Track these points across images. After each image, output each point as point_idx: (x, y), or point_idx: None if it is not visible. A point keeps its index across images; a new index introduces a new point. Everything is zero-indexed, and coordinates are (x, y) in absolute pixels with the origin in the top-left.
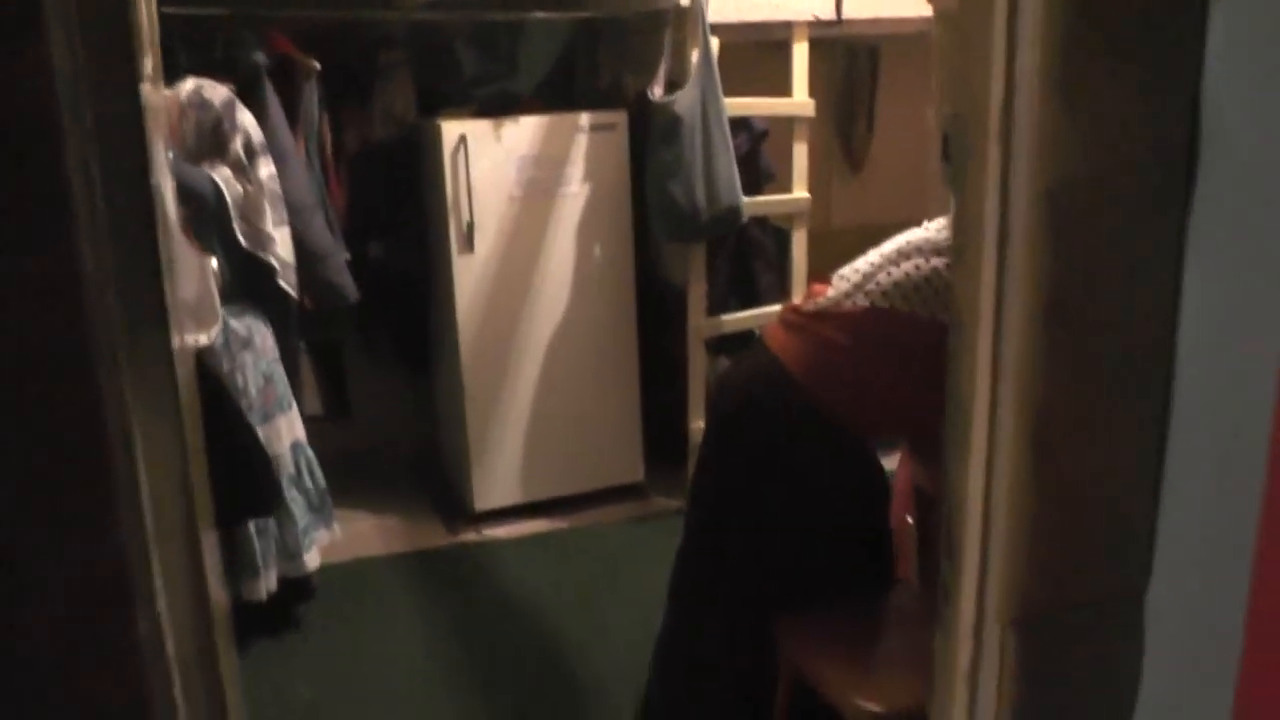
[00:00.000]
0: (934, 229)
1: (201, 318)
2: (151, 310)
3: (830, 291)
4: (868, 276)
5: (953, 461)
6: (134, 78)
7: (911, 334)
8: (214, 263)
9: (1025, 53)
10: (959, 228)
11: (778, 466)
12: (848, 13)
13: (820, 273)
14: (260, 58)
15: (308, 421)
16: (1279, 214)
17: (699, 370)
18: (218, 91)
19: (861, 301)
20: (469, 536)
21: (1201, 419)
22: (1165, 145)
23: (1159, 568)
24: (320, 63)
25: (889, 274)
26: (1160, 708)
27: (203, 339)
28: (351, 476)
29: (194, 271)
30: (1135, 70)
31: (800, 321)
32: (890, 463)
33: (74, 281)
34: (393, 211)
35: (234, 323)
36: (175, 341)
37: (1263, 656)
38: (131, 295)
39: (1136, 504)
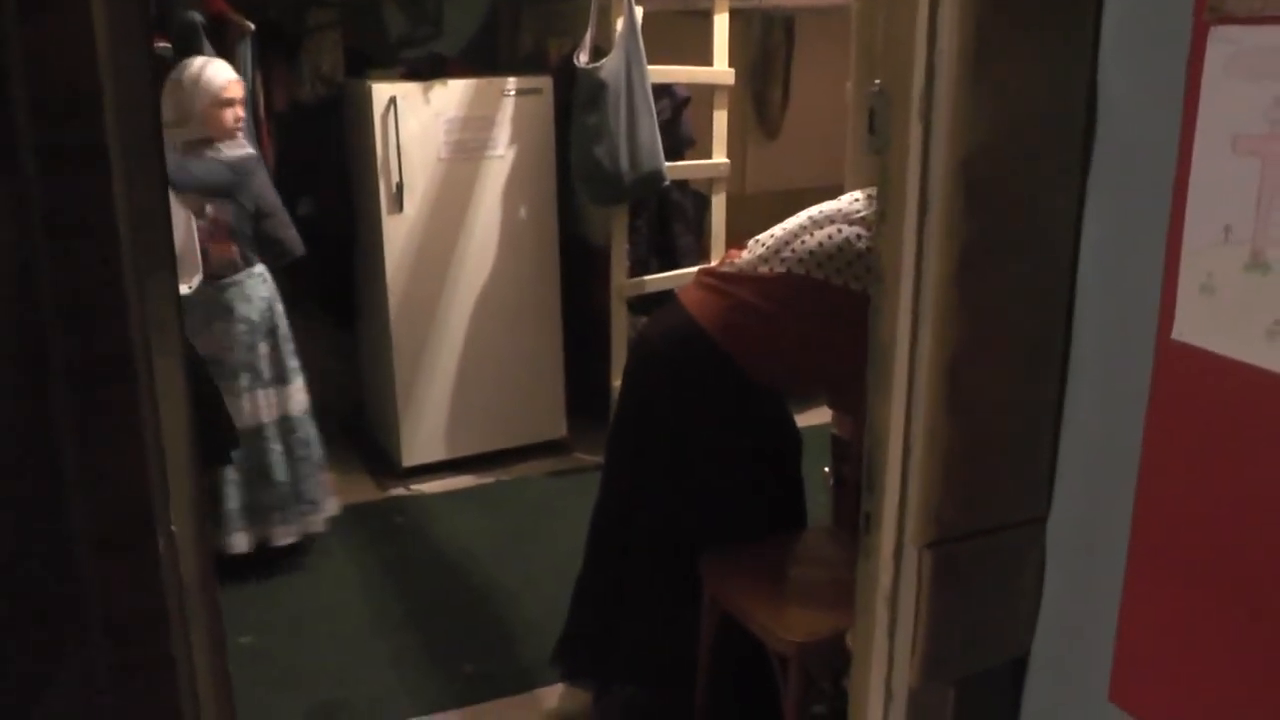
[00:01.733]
0: (846, 201)
1: (184, 268)
2: (161, 257)
3: (745, 255)
4: (784, 243)
5: (875, 401)
6: (150, 49)
7: (824, 301)
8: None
9: (945, 35)
10: (883, 193)
11: (692, 416)
12: None
13: (735, 235)
14: (196, 16)
15: None
16: (1164, 178)
17: (621, 329)
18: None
19: (778, 267)
20: (398, 491)
21: (1095, 364)
22: (1066, 118)
23: (1058, 496)
24: (250, 21)
25: (804, 241)
26: (1059, 620)
27: (184, 289)
28: None
29: (180, 224)
30: (1041, 50)
31: (716, 283)
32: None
33: (111, 222)
34: (320, 170)
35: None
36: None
37: (1142, 576)
38: (145, 243)
39: (1039, 439)
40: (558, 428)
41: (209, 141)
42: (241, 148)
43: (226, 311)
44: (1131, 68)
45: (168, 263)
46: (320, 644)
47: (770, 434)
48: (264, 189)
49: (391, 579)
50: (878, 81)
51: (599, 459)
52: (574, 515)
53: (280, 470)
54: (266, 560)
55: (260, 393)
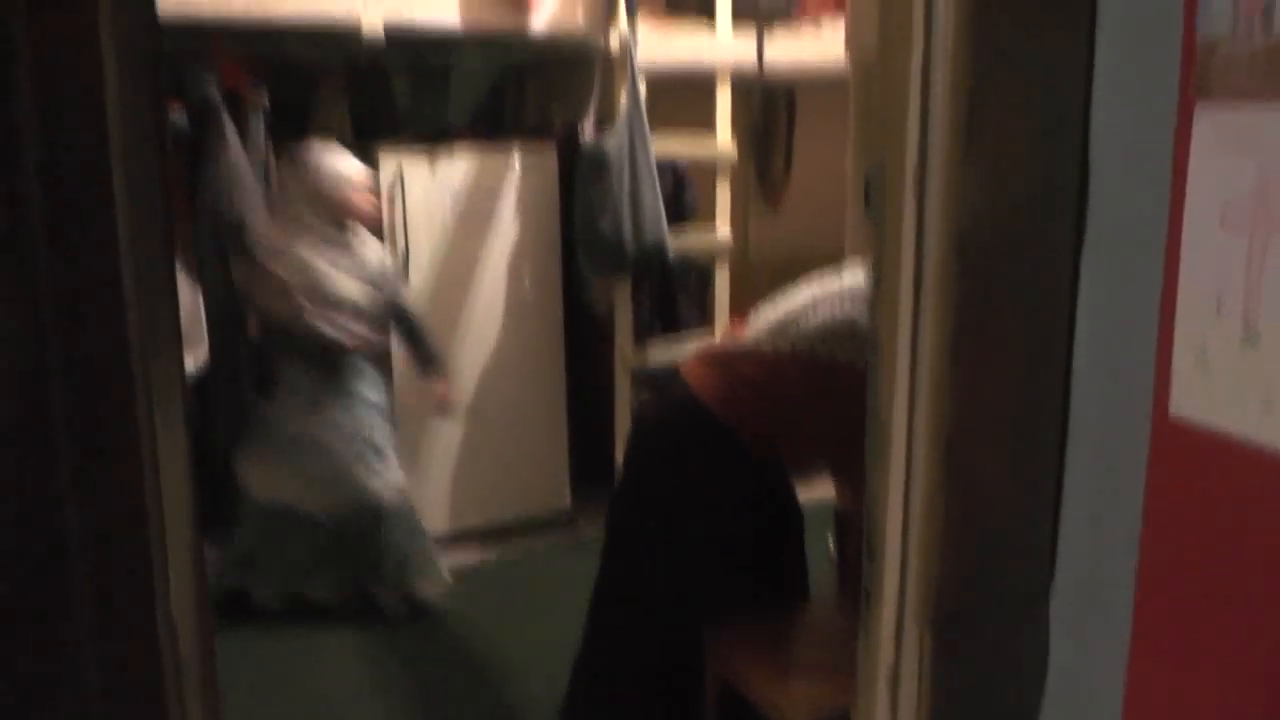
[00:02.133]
0: (848, 277)
1: (189, 342)
2: (167, 324)
3: (749, 331)
4: (787, 321)
5: (873, 477)
6: (160, 102)
7: (829, 379)
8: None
9: (937, 112)
10: (879, 265)
11: (693, 489)
12: (768, 59)
13: (739, 305)
14: (213, 89)
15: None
16: (1156, 252)
17: (625, 400)
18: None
19: (782, 346)
20: None
21: (1093, 437)
22: (1058, 192)
23: (1060, 571)
24: (263, 93)
25: (807, 319)
26: (1065, 696)
27: (189, 363)
28: None
29: (186, 297)
30: (1032, 126)
31: (719, 360)
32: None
33: (119, 295)
34: None
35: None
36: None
37: (1147, 651)
38: (151, 312)
39: (1040, 513)
40: (561, 500)
41: (346, 226)
42: (375, 238)
43: (347, 395)
44: (1121, 142)
45: (172, 330)
46: (317, 718)
47: (772, 508)
48: None
49: (391, 653)
50: (872, 163)
51: (602, 532)
52: (577, 589)
53: (401, 540)
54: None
55: (383, 468)
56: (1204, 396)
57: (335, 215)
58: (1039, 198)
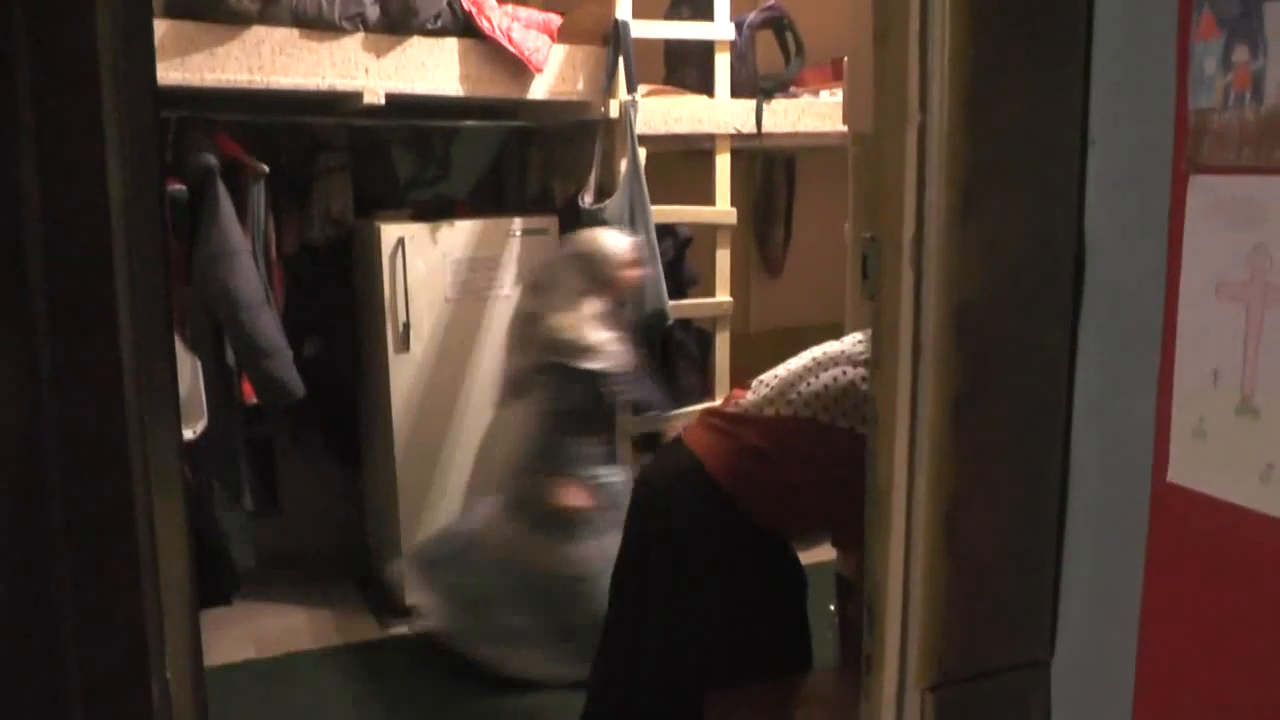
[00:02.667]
0: (849, 343)
1: (189, 414)
2: (165, 402)
3: (750, 396)
4: (788, 385)
5: (873, 546)
6: (163, 204)
7: (830, 444)
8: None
9: (933, 187)
10: (877, 338)
11: (697, 560)
12: (767, 126)
13: (740, 373)
14: (211, 159)
15: (241, 517)
16: (1153, 323)
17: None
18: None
19: (784, 410)
20: (400, 630)
21: (1092, 506)
22: (1054, 265)
23: (1061, 638)
24: (263, 164)
25: (809, 384)
26: None
27: (188, 434)
28: (282, 570)
29: (185, 370)
30: (1027, 200)
31: (721, 425)
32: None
33: (117, 371)
34: (328, 310)
35: None
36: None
37: (1149, 717)
38: (149, 388)
39: (1040, 580)
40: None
41: (611, 305)
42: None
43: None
44: (1116, 215)
45: (170, 407)
46: None
47: (774, 575)
48: (269, 328)
49: (393, 717)
50: (867, 235)
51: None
52: None
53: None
54: None
55: None
56: (1202, 465)
57: (616, 294)
58: (1035, 269)
